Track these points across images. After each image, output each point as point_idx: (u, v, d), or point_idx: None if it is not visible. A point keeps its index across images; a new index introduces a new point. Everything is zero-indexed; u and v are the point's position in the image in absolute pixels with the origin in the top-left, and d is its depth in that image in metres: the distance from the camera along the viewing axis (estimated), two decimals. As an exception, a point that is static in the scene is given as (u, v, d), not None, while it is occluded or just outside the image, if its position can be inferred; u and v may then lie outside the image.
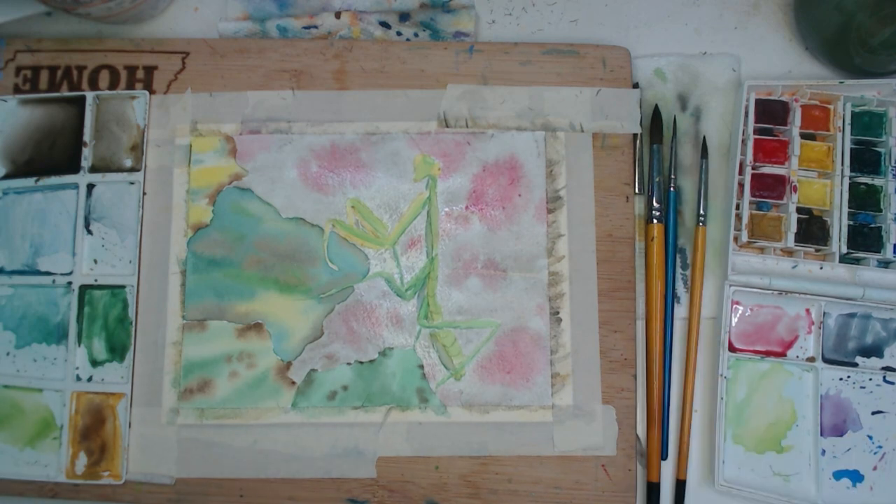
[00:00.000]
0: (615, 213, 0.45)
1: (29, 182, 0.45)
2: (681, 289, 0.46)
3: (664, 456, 0.44)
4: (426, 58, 0.47)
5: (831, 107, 0.46)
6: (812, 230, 0.45)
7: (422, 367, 0.44)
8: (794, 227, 0.44)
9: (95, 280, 0.44)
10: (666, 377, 0.45)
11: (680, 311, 0.46)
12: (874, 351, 0.44)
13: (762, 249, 0.46)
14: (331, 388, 0.43)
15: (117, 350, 0.44)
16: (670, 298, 0.45)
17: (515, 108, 0.46)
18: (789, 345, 0.45)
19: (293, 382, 0.43)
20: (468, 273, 0.44)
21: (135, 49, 0.47)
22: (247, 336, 0.44)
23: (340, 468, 0.43)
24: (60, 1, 0.43)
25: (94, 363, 0.44)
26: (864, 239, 0.44)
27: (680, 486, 0.44)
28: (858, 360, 0.44)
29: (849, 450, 0.44)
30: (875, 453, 0.43)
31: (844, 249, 0.44)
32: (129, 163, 0.46)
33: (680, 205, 0.47)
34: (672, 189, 0.46)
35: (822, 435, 0.43)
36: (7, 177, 0.46)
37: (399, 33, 0.48)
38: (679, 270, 0.46)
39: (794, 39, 0.49)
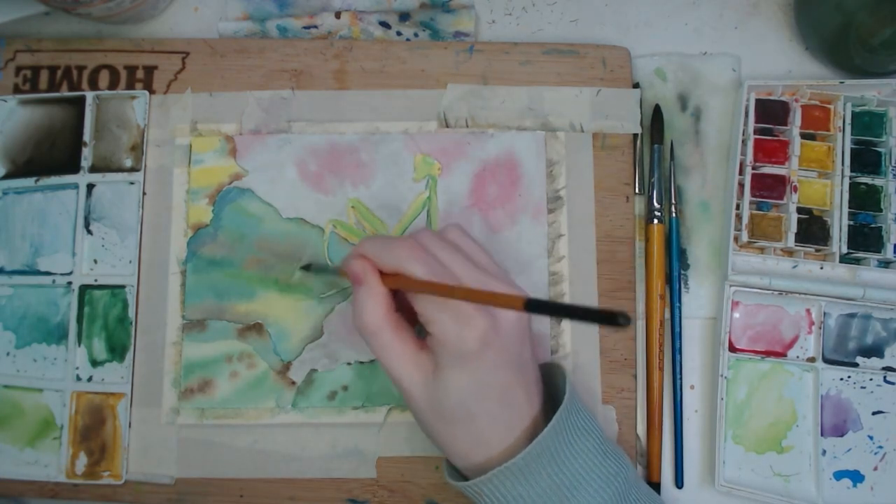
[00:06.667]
0: (615, 213, 0.45)
1: (29, 182, 0.45)
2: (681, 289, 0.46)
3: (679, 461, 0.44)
4: (426, 58, 0.47)
5: (831, 107, 0.46)
6: (812, 230, 0.45)
7: (422, 367, 0.44)
8: (794, 227, 0.44)
9: (95, 280, 0.44)
10: (677, 377, 0.45)
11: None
12: (874, 351, 0.44)
13: (762, 249, 0.46)
14: (331, 388, 0.43)
15: (117, 350, 0.44)
16: (671, 298, 0.45)
17: (515, 108, 0.46)
18: (789, 345, 0.45)
19: (293, 382, 0.43)
20: (468, 273, 0.44)
21: (135, 49, 0.47)
22: (247, 336, 0.44)
23: (340, 468, 0.43)
24: (60, 1, 0.43)
25: (94, 363, 0.44)
26: (865, 239, 0.44)
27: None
28: (859, 360, 0.44)
29: (849, 450, 0.44)
30: (876, 453, 0.43)
31: (845, 249, 0.44)
32: (129, 163, 0.46)
33: (680, 205, 0.47)
34: (672, 189, 0.46)
35: (822, 435, 0.43)
36: (7, 177, 0.46)
37: (399, 33, 0.48)
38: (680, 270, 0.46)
39: (794, 39, 0.49)
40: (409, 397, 0.35)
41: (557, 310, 0.28)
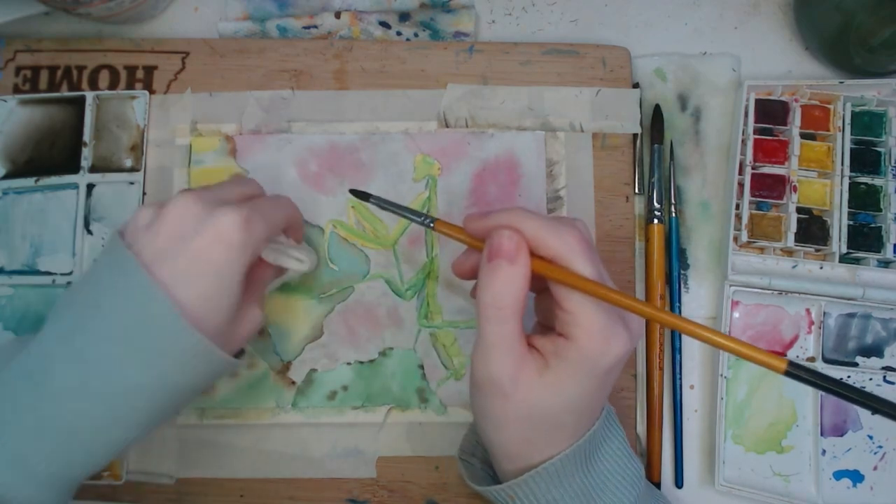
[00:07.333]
0: (615, 213, 0.45)
1: (29, 182, 0.45)
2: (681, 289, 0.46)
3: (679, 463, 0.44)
4: (426, 58, 0.47)
5: (831, 107, 0.46)
6: (812, 230, 0.45)
7: (422, 367, 0.44)
8: (794, 227, 0.44)
9: (95, 280, 0.44)
10: (677, 377, 0.45)
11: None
12: (874, 351, 0.44)
13: (762, 249, 0.46)
14: (331, 388, 0.43)
15: (117, 350, 0.44)
16: (671, 298, 0.45)
17: (515, 108, 0.46)
18: (789, 345, 0.45)
19: (293, 382, 0.43)
20: (468, 273, 0.44)
21: (135, 49, 0.47)
22: (247, 336, 0.44)
23: (340, 468, 0.43)
24: (60, 1, 0.43)
25: (94, 363, 0.44)
26: (864, 239, 0.44)
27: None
28: (858, 360, 0.44)
29: (849, 450, 0.44)
30: (875, 453, 0.43)
31: (844, 249, 0.44)
32: (129, 163, 0.46)
33: (680, 205, 0.47)
34: (672, 189, 0.46)
35: (822, 435, 0.43)
36: (7, 177, 0.45)
37: (399, 33, 0.48)
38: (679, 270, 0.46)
39: (794, 39, 0.49)
40: (500, 394, 0.32)
41: (842, 391, 0.26)
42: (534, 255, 0.32)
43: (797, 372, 0.26)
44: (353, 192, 0.40)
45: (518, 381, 0.32)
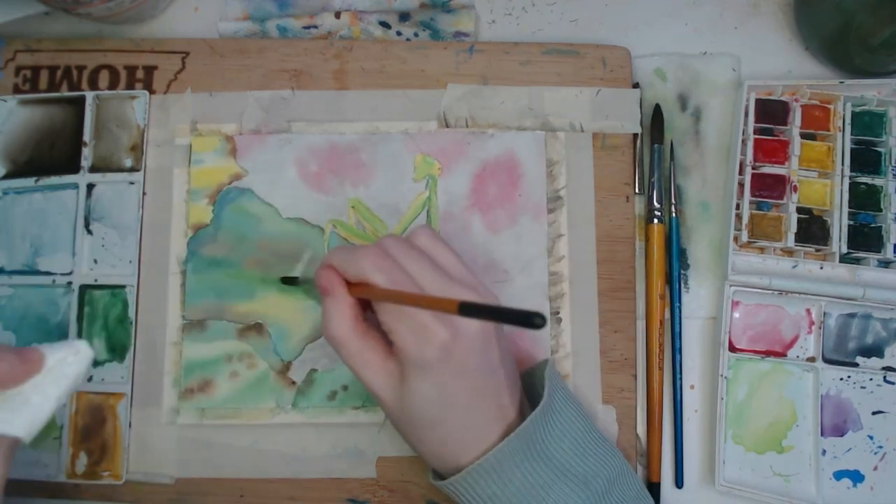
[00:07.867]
0: (615, 213, 0.45)
1: (29, 182, 0.45)
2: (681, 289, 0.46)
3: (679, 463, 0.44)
4: (426, 58, 0.47)
5: (831, 107, 0.46)
6: (812, 230, 0.45)
7: (422, 367, 0.43)
8: (794, 227, 0.44)
9: (95, 280, 0.44)
10: (677, 377, 0.45)
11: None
12: (875, 351, 0.44)
13: (762, 249, 0.46)
14: (331, 387, 0.43)
15: (117, 350, 0.44)
16: (671, 298, 0.45)
17: (515, 108, 0.46)
18: (790, 345, 0.45)
19: (293, 382, 0.43)
20: (468, 273, 0.44)
21: (135, 49, 0.47)
22: (247, 336, 0.44)
23: (340, 468, 0.43)
24: (60, 1, 0.43)
25: (94, 363, 0.44)
26: (865, 239, 0.44)
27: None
28: (859, 360, 0.44)
29: (849, 450, 0.44)
30: (875, 453, 0.43)
31: (845, 249, 0.44)
32: (129, 163, 0.46)
33: (680, 205, 0.47)
34: (672, 189, 0.46)
35: (822, 435, 0.43)
36: (7, 177, 0.45)
37: (399, 33, 0.48)
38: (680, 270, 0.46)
39: (794, 39, 0.49)
40: (380, 403, 0.36)
41: (488, 312, 0.28)
42: (351, 284, 0.35)
43: (469, 309, 0.28)
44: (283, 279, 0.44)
45: (387, 390, 0.35)
